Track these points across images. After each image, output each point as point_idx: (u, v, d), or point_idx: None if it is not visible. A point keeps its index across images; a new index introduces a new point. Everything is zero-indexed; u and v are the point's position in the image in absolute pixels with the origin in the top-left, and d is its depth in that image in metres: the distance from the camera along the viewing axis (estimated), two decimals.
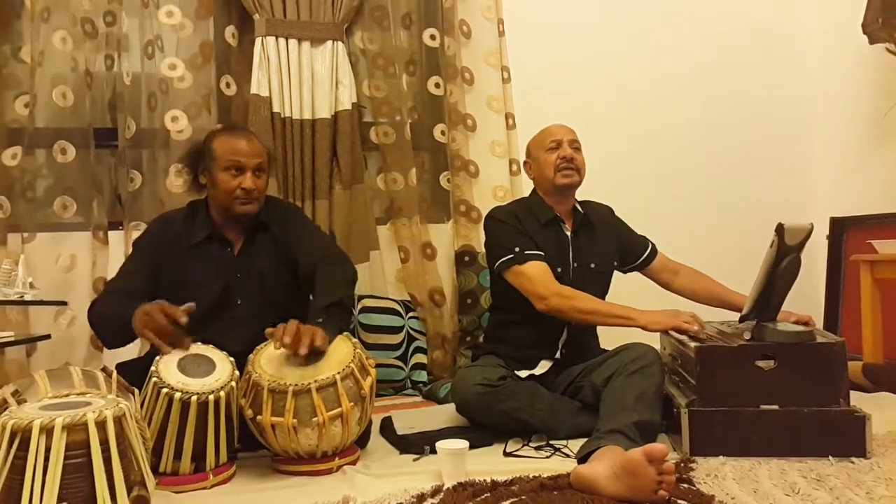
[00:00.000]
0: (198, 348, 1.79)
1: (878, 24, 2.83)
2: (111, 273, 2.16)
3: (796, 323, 2.04)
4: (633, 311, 2.04)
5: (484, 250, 2.36)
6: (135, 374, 1.68)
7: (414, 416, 2.30)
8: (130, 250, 2.09)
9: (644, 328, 2.02)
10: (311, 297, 2.04)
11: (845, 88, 3.40)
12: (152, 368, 1.68)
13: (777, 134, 3.52)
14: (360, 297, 2.78)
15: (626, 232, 2.42)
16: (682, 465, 1.71)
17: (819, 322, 3.29)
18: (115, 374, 1.55)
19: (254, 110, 2.69)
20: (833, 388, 1.80)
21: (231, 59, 2.78)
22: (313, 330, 1.79)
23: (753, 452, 1.77)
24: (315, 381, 1.72)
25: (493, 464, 1.79)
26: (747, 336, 1.89)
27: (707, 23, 3.41)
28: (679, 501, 1.47)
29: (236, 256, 2.05)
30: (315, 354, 1.78)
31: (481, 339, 2.63)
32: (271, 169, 2.26)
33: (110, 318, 1.88)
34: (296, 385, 1.71)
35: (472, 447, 1.76)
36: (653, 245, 2.44)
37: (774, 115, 3.50)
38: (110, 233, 2.63)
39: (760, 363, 1.82)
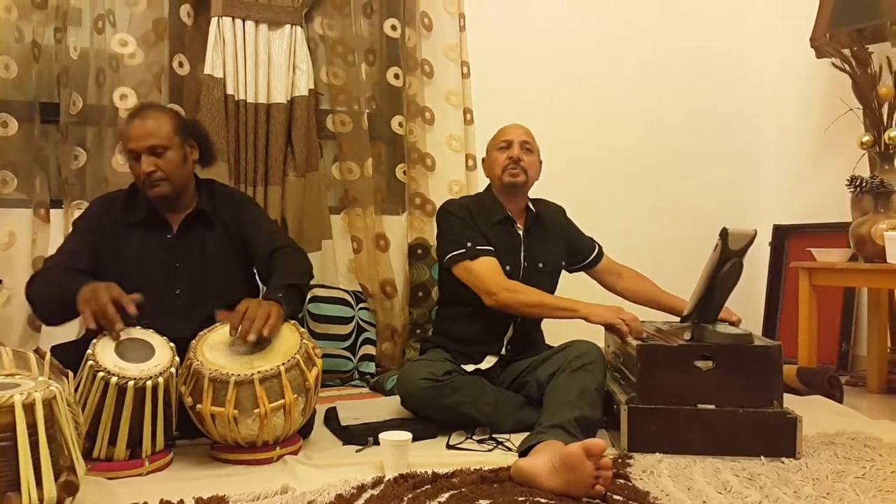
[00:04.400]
0: (137, 332, 1.74)
1: (825, 40, 2.92)
2: (52, 252, 2.09)
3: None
4: (577, 303, 2.07)
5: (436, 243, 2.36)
6: (71, 357, 1.63)
7: (359, 408, 2.30)
8: (70, 229, 2.02)
9: (586, 319, 2.05)
10: (255, 287, 1.99)
11: (792, 102, 3.51)
12: (88, 351, 1.63)
13: (726, 144, 3.61)
14: (311, 287, 2.75)
15: (575, 233, 2.45)
16: (620, 460, 1.74)
17: (758, 326, 3.40)
18: (48, 355, 1.51)
19: (206, 91, 2.63)
20: (768, 389, 1.86)
21: (185, 38, 2.71)
22: (267, 310, 1.76)
23: (689, 450, 1.81)
24: (258, 373, 1.69)
25: (436, 456, 1.80)
26: (687, 336, 1.93)
27: (661, 32, 3.48)
28: (615, 497, 1.49)
29: (173, 239, 2.00)
30: (262, 341, 1.75)
31: (430, 333, 2.63)
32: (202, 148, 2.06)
33: (51, 291, 1.82)
34: (238, 376, 1.68)
35: (415, 439, 1.76)
36: (599, 247, 2.48)
37: (724, 126, 3.60)
38: (52, 211, 2.54)
39: (699, 363, 1.87)
